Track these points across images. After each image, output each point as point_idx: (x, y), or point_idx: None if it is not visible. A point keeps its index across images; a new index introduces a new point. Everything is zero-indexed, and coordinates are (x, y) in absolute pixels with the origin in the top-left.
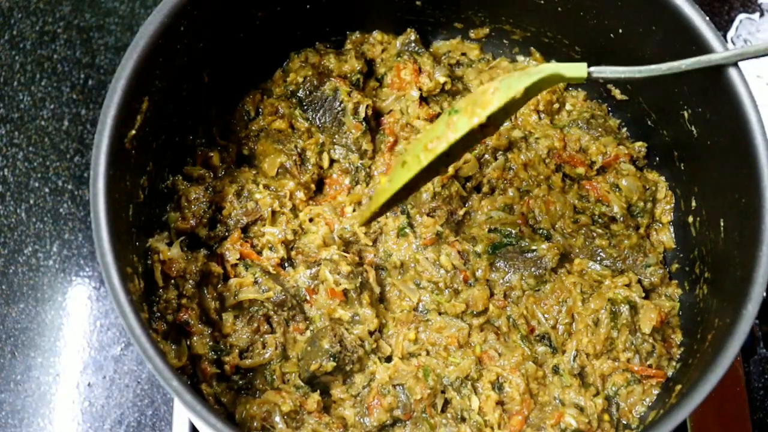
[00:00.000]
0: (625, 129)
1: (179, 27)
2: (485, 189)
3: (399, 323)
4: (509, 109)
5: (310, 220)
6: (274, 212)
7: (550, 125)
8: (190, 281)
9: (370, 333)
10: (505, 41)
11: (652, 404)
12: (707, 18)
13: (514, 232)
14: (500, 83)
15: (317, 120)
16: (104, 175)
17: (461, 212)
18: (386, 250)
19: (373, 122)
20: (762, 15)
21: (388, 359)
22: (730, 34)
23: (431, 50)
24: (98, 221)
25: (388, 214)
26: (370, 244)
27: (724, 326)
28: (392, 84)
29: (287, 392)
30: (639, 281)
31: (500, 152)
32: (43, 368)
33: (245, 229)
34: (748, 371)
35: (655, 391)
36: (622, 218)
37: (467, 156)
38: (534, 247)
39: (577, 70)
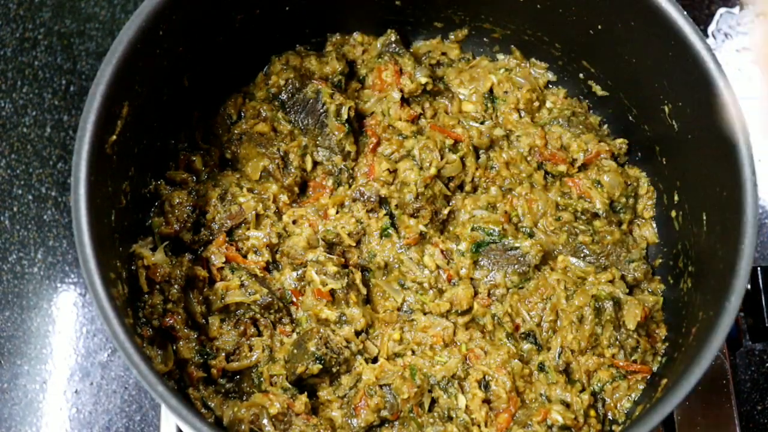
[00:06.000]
0: (606, 126)
1: (158, 31)
2: (468, 188)
3: (384, 324)
4: None
5: (294, 222)
6: (258, 215)
7: (531, 123)
8: (176, 286)
9: (357, 333)
10: (485, 39)
11: (638, 399)
12: (685, 12)
13: (497, 230)
14: None
15: (300, 122)
16: (85, 181)
17: (445, 212)
18: (370, 251)
19: (356, 124)
20: (742, 8)
21: (375, 360)
22: (711, 28)
23: (412, 50)
24: (80, 227)
25: (370, 215)
26: (354, 245)
27: (708, 319)
28: (374, 86)
29: (275, 394)
30: (622, 277)
31: (482, 151)
32: (29, 376)
33: (230, 233)
34: (734, 364)
35: (641, 387)
36: (604, 214)
37: (451, 156)
38: (517, 245)
39: None
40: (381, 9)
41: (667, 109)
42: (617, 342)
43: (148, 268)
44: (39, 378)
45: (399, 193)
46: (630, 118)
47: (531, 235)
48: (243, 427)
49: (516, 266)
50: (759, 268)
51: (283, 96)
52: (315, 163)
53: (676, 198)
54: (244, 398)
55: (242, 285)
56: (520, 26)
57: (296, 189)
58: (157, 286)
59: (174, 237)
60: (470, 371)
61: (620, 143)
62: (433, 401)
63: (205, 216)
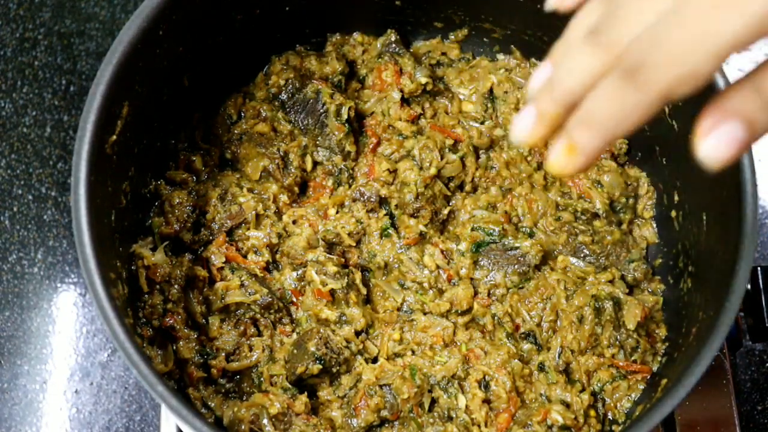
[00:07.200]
0: None
1: (158, 31)
2: (468, 188)
3: (384, 324)
4: None
5: (294, 222)
6: (258, 215)
7: None
8: (176, 286)
9: (357, 333)
10: (485, 39)
11: (638, 399)
12: None
13: (497, 230)
14: None
15: (300, 122)
16: (85, 181)
17: (445, 212)
18: (370, 251)
19: (356, 124)
20: None
21: (375, 360)
22: None
23: (412, 50)
24: (80, 227)
25: (370, 215)
26: (354, 245)
27: (707, 319)
28: (374, 86)
29: (275, 394)
30: (622, 277)
31: (482, 151)
32: (29, 376)
33: (230, 233)
34: (734, 364)
35: (641, 386)
36: (604, 214)
37: (451, 156)
38: (517, 245)
39: None
40: (381, 9)
41: (667, 109)
42: (617, 342)
43: (148, 268)
44: (39, 378)
45: (399, 193)
46: None
47: (531, 235)
48: (243, 427)
49: (516, 266)
50: (759, 268)
51: (283, 96)
52: (315, 163)
53: (676, 198)
54: (244, 398)
55: (242, 285)
56: (520, 26)
57: (296, 189)
58: (157, 286)
59: (174, 237)
60: (470, 371)
61: (620, 143)
62: (433, 401)
63: (205, 216)
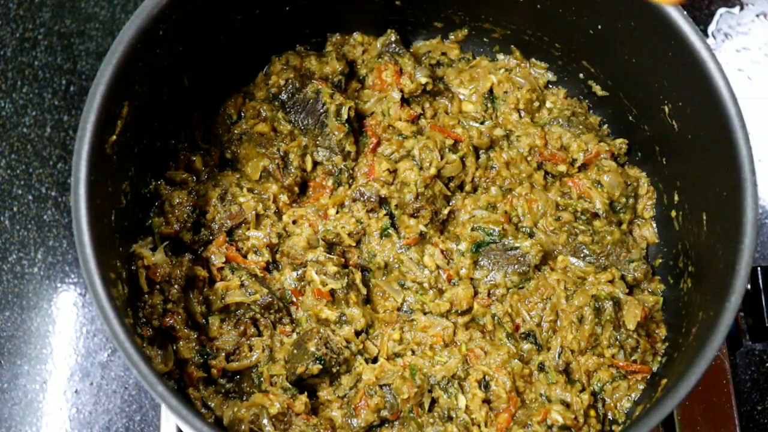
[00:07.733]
0: (606, 126)
1: (158, 31)
2: (468, 188)
3: (384, 324)
4: None
5: (294, 222)
6: (258, 215)
7: (531, 123)
8: (176, 286)
9: (357, 333)
10: (485, 39)
11: (638, 399)
12: (685, 12)
13: (497, 230)
14: None
15: (300, 122)
16: (85, 181)
17: (446, 212)
18: (370, 251)
19: (356, 124)
20: (742, 8)
21: (375, 360)
22: (711, 28)
23: (412, 50)
24: (80, 227)
25: (370, 215)
26: (354, 245)
27: (708, 319)
28: (374, 86)
29: (275, 394)
30: (622, 277)
31: (482, 151)
32: (29, 376)
33: (230, 233)
34: (734, 364)
35: (641, 386)
36: (604, 214)
37: (451, 156)
38: (517, 245)
39: None
40: (381, 9)
41: (667, 109)
42: (617, 342)
43: (148, 268)
44: (39, 378)
45: (399, 193)
46: (630, 118)
47: (531, 235)
48: (243, 427)
49: (516, 266)
50: (759, 268)
51: (283, 96)
52: (315, 163)
53: (676, 198)
54: (244, 398)
55: (242, 285)
56: (520, 26)
57: (296, 189)
58: (157, 286)
59: (174, 237)
60: (470, 371)
61: (620, 143)
62: (433, 401)
63: (205, 216)
